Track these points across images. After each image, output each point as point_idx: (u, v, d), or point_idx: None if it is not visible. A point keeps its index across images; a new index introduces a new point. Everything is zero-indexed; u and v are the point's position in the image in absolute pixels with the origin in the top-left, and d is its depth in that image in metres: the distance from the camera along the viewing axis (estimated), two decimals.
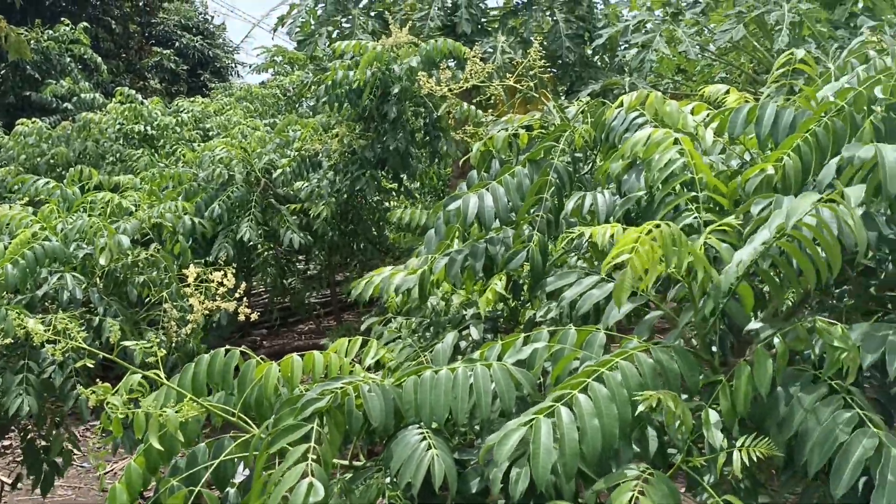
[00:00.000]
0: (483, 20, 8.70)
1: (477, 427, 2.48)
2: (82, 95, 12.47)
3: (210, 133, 10.04)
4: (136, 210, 5.93)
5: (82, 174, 6.93)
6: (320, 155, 6.99)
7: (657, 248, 1.96)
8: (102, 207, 5.67)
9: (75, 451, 4.81)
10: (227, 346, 2.48)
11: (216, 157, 7.08)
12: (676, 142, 2.50)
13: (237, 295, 4.03)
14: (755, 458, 1.96)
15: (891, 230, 2.25)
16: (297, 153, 7.33)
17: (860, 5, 6.42)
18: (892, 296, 2.53)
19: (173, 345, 4.91)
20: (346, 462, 2.55)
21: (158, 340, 2.44)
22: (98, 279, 5.09)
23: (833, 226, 1.95)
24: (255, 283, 8.73)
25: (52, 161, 8.92)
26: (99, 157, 9.01)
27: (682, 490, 2.34)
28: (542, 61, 3.63)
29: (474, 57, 3.64)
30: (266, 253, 7.57)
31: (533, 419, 1.97)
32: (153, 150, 9.12)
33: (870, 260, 2.39)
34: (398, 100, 6.25)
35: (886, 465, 1.85)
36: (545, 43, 8.11)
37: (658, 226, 2.01)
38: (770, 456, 2.01)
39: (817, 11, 5.74)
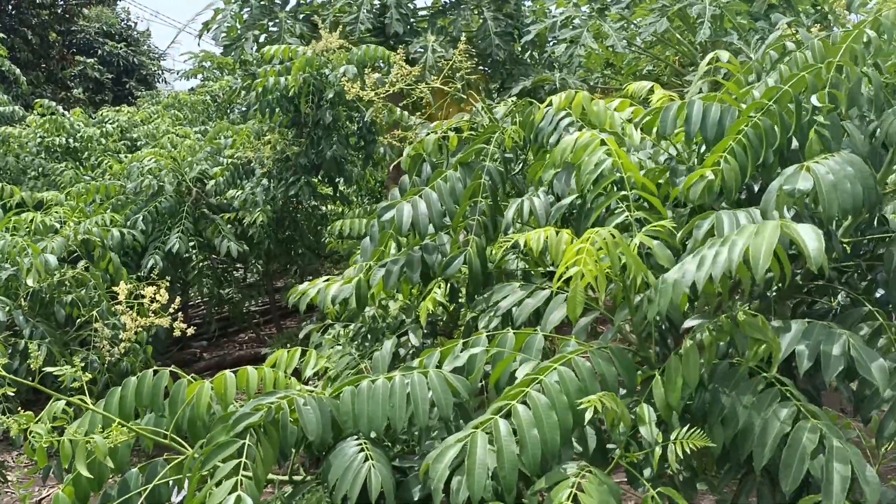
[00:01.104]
0: (413, 20, 8.67)
1: (416, 433, 2.46)
2: (1, 109, 12.00)
3: (138, 143, 9.76)
4: (61, 227, 5.73)
5: (3, 191, 6.66)
6: (253, 162, 6.87)
7: (603, 264, 1.98)
8: (27, 227, 5.47)
9: (5, 480, 4.62)
10: (156, 367, 2.40)
11: (145, 168, 6.89)
12: (603, 142, 2.52)
13: (172, 309, 3.93)
14: (689, 451, 1.99)
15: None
16: (229, 161, 7.18)
17: None
18: (816, 285, 2.61)
19: (105, 365, 4.77)
20: (286, 477, 2.50)
21: (82, 364, 2.35)
22: (24, 300, 4.91)
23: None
24: (192, 295, 8.52)
25: None
26: (20, 173, 8.68)
27: (624, 482, 2.37)
28: (471, 60, 3.62)
29: (399, 60, 3.61)
30: (201, 264, 7.40)
31: (470, 434, 1.97)
32: (77, 164, 8.82)
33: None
34: (332, 105, 6.18)
35: (831, 457, 1.91)
36: (475, 41, 8.14)
37: (598, 232, 2.03)
38: (706, 447, 2.04)
39: (737, 4, 5.88)
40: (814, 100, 2.37)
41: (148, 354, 5.13)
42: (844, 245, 2.70)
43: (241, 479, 1.94)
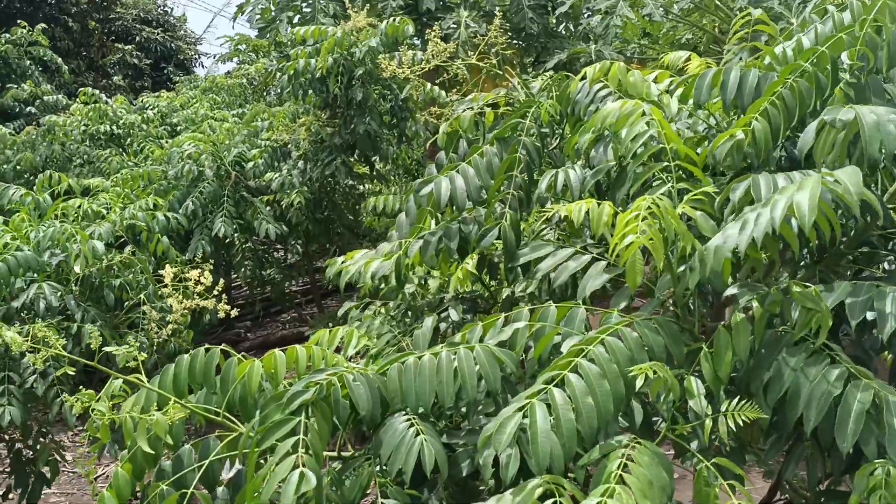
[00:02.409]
0: None
1: (463, 409, 2.49)
2: (45, 98, 12.25)
3: (178, 128, 9.90)
4: (108, 213, 5.86)
5: (51, 179, 6.83)
6: (290, 145, 6.93)
7: (656, 230, 1.97)
8: (75, 214, 5.61)
9: (63, 459, 4.79)
10: (207, 346, 2.47)
11: (184, 153, 7.00)
12: (645, 113, 2.50)
13: (216, 291, 4.01)
14: (741, 423, 1.98)
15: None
16: (266, 144, 7.25)
17: None
18: (861, 252, 2.57)
19: (154, 346, 4.89)
20: (335, 453, 2.56)
21: (138, 344, 2.42)
22: (74, 286, 5.04)
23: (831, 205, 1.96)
24: (235, 277, 8.67)
25: (18, 167, 8.78)
26: (66, 161, 8.87)
27: (671, 456, 2.38)
28: (505, 35, 3.60)
29: (434, 37, 3.61)
30: (243, 246, 7.52)
31: (527, 404, 1.98)
32: (121, 150, 8.99)
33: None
34: (362, 83, 6.19)
35: (891, 411, 1.89)
36: (508, 15, 8.06)
37: (653, 200, 2.01)
38: (755, 419, 2.03)
39: None
40: (844, 57, 2.32)
41: (186, 340, 5.23)
42: (892, 210, 2.65)
43: (302, 455, 1.98)
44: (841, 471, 2.13)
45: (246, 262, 7.59)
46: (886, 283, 2.38)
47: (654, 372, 1.94)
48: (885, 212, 2.51)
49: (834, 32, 2.44)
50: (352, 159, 6.89)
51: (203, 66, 22.95)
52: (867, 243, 2.64)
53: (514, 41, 8.23)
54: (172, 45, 20.88)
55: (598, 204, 2.26)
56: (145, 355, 2.42)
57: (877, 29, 2.32)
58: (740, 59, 3.11)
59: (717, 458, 1.99)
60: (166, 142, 8.58)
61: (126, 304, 5.25)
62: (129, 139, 9.10)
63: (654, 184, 2.48)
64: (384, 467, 2.22)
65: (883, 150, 2.07)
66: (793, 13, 5.27)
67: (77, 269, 4.91)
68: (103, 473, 6.43)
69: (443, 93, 4.91)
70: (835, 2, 3.30)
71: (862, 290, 2.07)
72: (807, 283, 2.00)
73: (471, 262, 3.25)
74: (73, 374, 2.54)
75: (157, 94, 11.87)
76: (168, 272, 3.94)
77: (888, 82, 2.45)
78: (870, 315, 2.05)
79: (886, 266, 2.66)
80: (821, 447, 2.14)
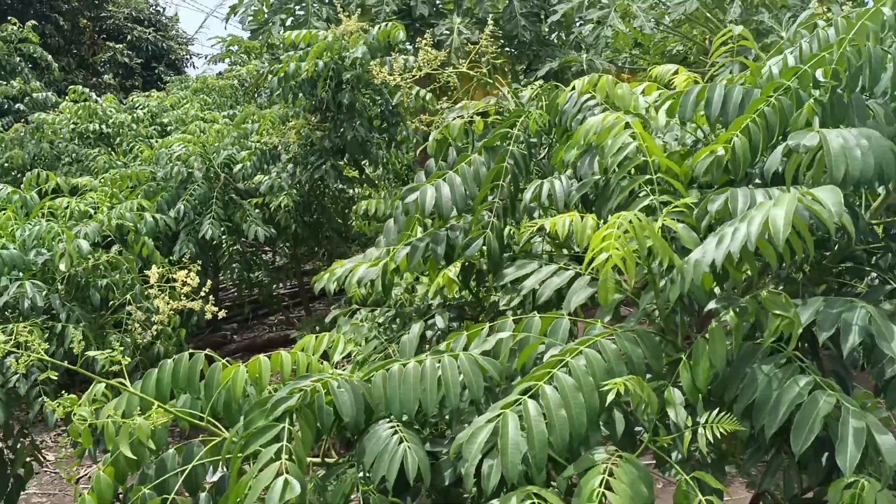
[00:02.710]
0: (438, 2, 8.64)
1: (447, 417, 2.50)
2: (34, 95, 12.18)
3: (168, 128, 9.88)
4: (95, 212, 5.84)
5: (39, 178, 6.80)
6: (279, 147, 6.93)
7: (630, 247, 1.99)
8: (62, 213, 5.59)
9: (45, 459, 4.76)
10: (192, 350, 2.47)
11: (174, 154, 6.98)
12: (628, 125, 2.53)
13: (203, 292, 4.01)
14: (719, 435, 2.00)
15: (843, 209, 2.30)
16: (256, 147, 7.25)
17: None
18: (844, 267, 2.60)
19: (137, 348, 4.87)
20: (319, 459, 2.56)
21: (122, 348, 2.42)
22: (59, 285, 5.03)
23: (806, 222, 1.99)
24: (222, 279, 8.65)
25: (6, 164, 8.73)
26: (55, 159, 8.83)
27: (652, 467, 2.40)
28: (497, 42, 3.63)
29: (426, 45, 3.63)
30: (231, 249, 7.50)
31: (500, 414, 2.00)
32: (110, 149, 8.95)
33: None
34: (351, 88, 6.20)
35: (846, 422, 1.92)
36: (501, 22, 8.09)
37: (625, 216, 2.03)
38: (735, 430, 2.06)
39: None
40: (818, 74, 2.36)
41: (181, 338, 5.23)
42: (874, 226, 2.68)
43: (285, 462, 1.98)
44: (817, 483, 2.15)
45: (233, 265, 7.59)
46: (866, 298, 2.42)
47: (627, 387, 1.96)
48: (869, 227, 2.55)
49: (818, 51, 2.47)
50: (341, 163, 6.89)
51: (194, 66, 22.93)
52: (851, 258, 2.67)
53: (507, 48, 8.27)
54: (164, 44, 20.82)
55: (582, 217, 2.28)
56: (129, 359, 2.42)
57: (857, 49, 2.35)
58: (730, 71, 3.14)
59: (697, 472, 2.01)
60: (156, 142, 8.55)
61: (112, 304, 5.23)
62: (118, 138, 9.07)
63: (641, 195, 2.51)
64: (367, 474, 2.23)
65: (848, 175, 2.09)
66: (783, 27, 5.32)
67: (62, 267, 4.89)
68: (86, 474, 6.39)
69: (433, 99, 4.92)
70: (824, 17, 3.35)
71: (835, 305, 2.10)
72: (779, 292, 2.03)
73: (453, 270, 3.26)
74: (55, 377, 2.53)
75: (147, 93, 11.82)
76: (154, 273, 3.94)
77: (872, 98, 2.49)
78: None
79: (868, 281, 2.70)
80: (799, 462, 2.17)
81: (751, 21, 5.91)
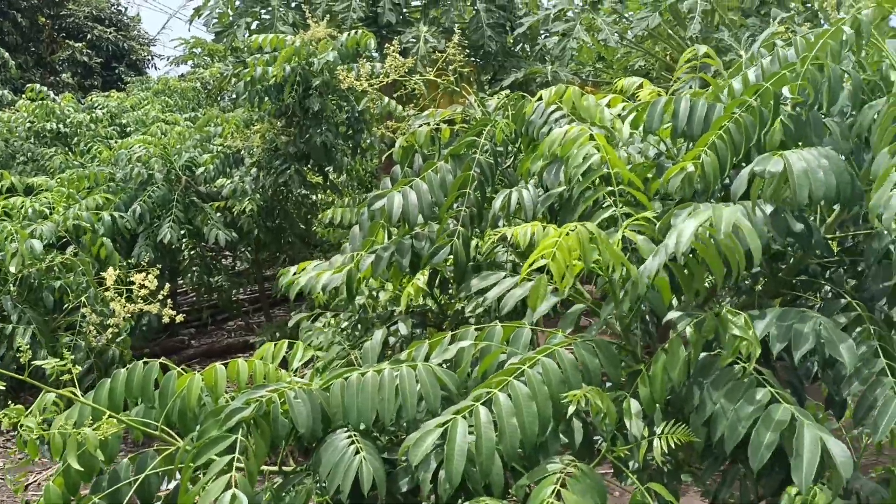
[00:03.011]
0: (405, 10, 8.65)
1: (405, 426, 2.48)
2: None
3: (127, 129, 9.71)
4: (51, 213, 5.72)
5: None
6: (243, 151, 6.85)
7: (575, 252, 2.00)
8: (17, 212, 5.46)
9: None
10: (146, 359, 2.41)
11: (133, 156, 6.86)
12: (592, 137, 2.54)
13: (161, 296, 3.93)
14: (673, 445, 2.02)
15: (799, 224, 2.35)
16: (219, 150, 7.16)
17: None
18: (799, 280, 2.64)
19: (92, 351, 4.78)
20: (276, 468, 2.52)
21: (72, 356, 2.36)
22: (11, 286, 4.90)
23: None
24: (181, 283, 8.51)
25: None
26: (9, 158, 8.62)
27: (610, 474, 2.41)
28: (463, 52, 3.63)
29: (393, 51, 3.62)
30: (191, 252, 7.39)
31: (451, 419, 1.99)
32: (67, 149, 8.77)
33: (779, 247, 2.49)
34: (319, 94, 6.16)
35: (801, 435, 1.94)
36: (467, 32, 8.12)
37: (575, 226, 2.05)
38: (691, 441, 2.07)
39: (729, 0, 5.91)
40: (785, 91, 2.40)
41: (126, 344, 5.13)
42: (829, 241, 2.73)
43: (235, 475, 1.95)
44: (772, 492, 2.17)
45: (193, 268, 7.47)
46: (821, 312, 2.46)
47: (587, 398, 1.97)
48: (824, 242, 2.59)
49: (779, 69, 2.52)
50: (306, 169, 6.84)
51: (156, 67, 22.57)
52: (806, 272, 2.72)
53: (473, 58, 8.30)
54: (125, 44, 20.48)
55: (544, 227, 2.29)
56: (79, 368, 2.36)
57: (819, 67, 2.40)
58: (690, 87, 3.19)
59: (651, 483, 2.02)
60: (115, 143, 8.40)
61: (66, 306, 5.12)
62: (75, 138, 8.89)
63: (604, 206, 2.52)
64: (323, 484, 2.20)
65: (811, 196, 2.14)
66: (741, 45, 5.42)
67: (13, 268, 4.78)
68: (35, 481, 6.22)
69: (399, 107, 4.90)
70: (782, 37, 3.41)
71: (788, 317, 2.14)
72: (739, 311, 2.05)
73: (422, 279, 3.25)
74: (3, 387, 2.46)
75: (106, 93, 11.61)
76: (110, 275, 3.85)
77: (829, 117, 2.54)
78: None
79: (823, 294, 2.75)
80: (753, 471, 2.19)
81: (711, 39, 6.01)
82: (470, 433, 2.02)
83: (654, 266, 2.03)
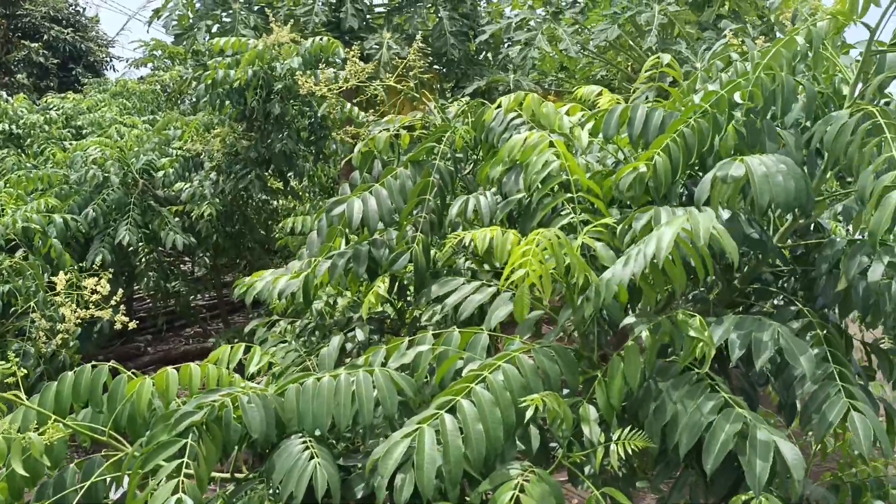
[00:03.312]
0: (368, 17, 8.64)
1: (361, 431, 2.46)
2: None
3: (83, 131, 9.52)
4: (0, 214, 5.57)
5: None
6: (203, 155, 6.75)
7: (548, 264, 2.01)
8: None
9: None
10: (94, 362, 2.36)
11: (89, 158, 6.72)
12: (552, 144, 2.56)
13: (114, 301, 3.85)
14: (630, 451, 2.03)
15: (752, 229, 2.38)
16: (178, 153, 7.05)
17: (726, 7, 6.77)
18: (752, 288, 2.68)
19: (41, 357, 4.66)
20: (228, 475, 2.48)
21: (17, 360, 2.29)
22: None
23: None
24: (138, 288, 8.35)
25: None
26: None
27: (566, 481, 2.41)
28: (426, 59, 3.63)
29: (353, 56, 3.60)
30: (147, 256, 7.26)
31: (417, 429, 1.97)
32: (20, 151, 8.56)
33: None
34: (281, 98, 6.11)
35: (754, 439, 1.96)
36: (431, 40, 8.14)
37: (543, 234, 2.05)
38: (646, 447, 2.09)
39: (686, 13, 6.01)
40: (736, 96, 2.44)
41: (76, 349, 5.01)
42: (782, 249, 2.78)
43: (183, 480, 1.91)
44: (721, 497, 2.20)
45: (149, 273, 7.34)
46: (775, 319, 2.50)
47: (545, 403, 1.97)
48: (777, 251, 2.64)
49: (735, 79, 2.56)
50: (266, 174, 6.77)
51: (115, 69, 22.19)
52: (759, 280, 2.76)
53: (435, 66, 8.31)
54: (82, 45, 20.11)
55: (503, 232, 2.29)
56: (24, 371, 2.29)
57: (772, 77, 2.45)
58: (646, 97, 3.23)
59: (606, 488, 2.03)
60: (70, 145, 8.22)
61: (14, 311, 4.98)
62: (28, 140, 8.69)
63: (563, 213, 2.54)
64: (276, 491, 2.17)
65: (772, 201, 2.17)
66: (698, 58, 5.52)
67: None
68: None
69: (360, 112, 4.88)
70: (737, 50, 3.48)
71: (745, 324, 2.16)
72: (693, 314, 2.07)
73: (382, 286, 3.23)
74: None
75: (63, 95, 11.38)
76: (61, 279, 3.76)
77: (783, 127, 2.58)
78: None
79: (775, 302, 2.79)
80: (705, 477, 2.21)
81: (669, 51, 6.11)
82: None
83: (626, 274, 2.03)
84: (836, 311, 2.61)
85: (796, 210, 2.45)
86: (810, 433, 2.40)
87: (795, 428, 2.65)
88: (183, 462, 1.94)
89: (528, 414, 1.99)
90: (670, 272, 2.05)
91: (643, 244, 2.01)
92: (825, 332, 2.34)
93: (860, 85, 2.52)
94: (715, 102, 2.47)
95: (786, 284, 2.76)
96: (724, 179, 2.24)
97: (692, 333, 2.00)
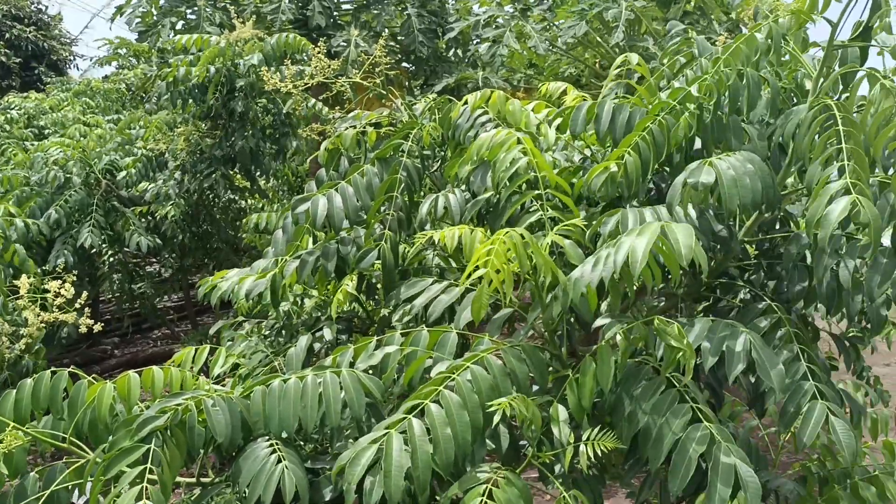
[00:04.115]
0: (336, 14, 8.58)
1: (328, 433, 2.43)
2: None
3: (45, 131, 9.34)
4: None
5: None
6: (166, 154, 6.65)
7: (513, 264, 1.99)
8: None
9: None
10: (54, 368, 2.30)
11: (50, 159, 6.59)
12: (519, 141, 2.54)
13: (79, 304, 3.77)
14: (600, 452, 2.02)
15: (720, 226, 2.39)
16: (141, 153, 6.94)
17: (692, 4, 6.81)
18: (720, 282, 2.69)
19: (5, 362, 4.56)
20: (194, 479, 2.44)
21: None
22: None
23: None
24: (103, 290, 8.21)
25: None
26: None
27: (536, 479, 2.40)
28: (394, 56, 3.60)
29: (318, 53, 3.56)
30: (111, 258, 7.14)
31: (385, 434, 1.95)
32: None
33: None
34: (245, 96, 6.04)
35: (717, 465, 1.96)
36: (399, 37, 8.10)
37: (508, 233, 2.03)
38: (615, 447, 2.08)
39: (653, 10, 6.04)
40: (693, 89, 2.45)
41: (40, 355, 4.91)
42: (746, 244, 2.80)
43: (147, 487, 1.87)
44: (690, 493, 2.20)
45: (114, 275, 7.22)
46: (743, 315, 2.51)
47: (512, 406, 1.95)
48: (738, 247, 2.65)
49: (700, 75, 2.57)
50: (232, 172, 6.68)
51: (78, 68, 21.84)
52: (725, 274, 2.77)
53: (404, 63, 8.28)
54: (45, 44, 19.75)
55: (471, 230, 2.27)
56: None
57: (739, 73, 2.45)
58: (615, 93, 3.23)
59: (576, 490, 2.02)
60: (31, 145, 8.06)
61: None
62: None
63: (531, 210, 2.52)
64: (244, 495, 2.13)
65: (739, 204, 2.18)
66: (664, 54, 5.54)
67: None
68: None
69: (325, 109, 4.83)
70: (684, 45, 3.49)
71: (717, 329, 2.15)
72: (669, 319, 2.06)
73: (350, 284, 3.19)
74: None
75: (24, 94, 11.16)
76: (24, 282, 3.67)
77: (748, 123, 2.60)
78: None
79: (742, 296, 2.81)
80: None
81: (636, 47, 6.13)
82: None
83: (595, 276, 2.02)
84: (802, 304, 2.64)
85: (763, 206, 2.46)
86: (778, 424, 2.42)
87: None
88: (146, 468, 1.90)
89: (496, 419, 1.97)
90: (643, 274, 2.05)
91: (614, 248, 2.00)
92: (795, 329, 2.35)
93: (822, 80, 2.54)
94: (681, 99, 2.47)
95: (752, 277, 2.77)
96: (695, 186, 2.25)
97: (673, 343, 1.99)
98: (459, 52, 9.04)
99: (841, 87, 2.67)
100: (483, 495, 1.87)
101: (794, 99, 2.72)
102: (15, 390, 2.26)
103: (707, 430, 2.01)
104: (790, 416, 2.22)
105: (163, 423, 2.01)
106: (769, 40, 2.48)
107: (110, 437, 2.13)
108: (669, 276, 2.08)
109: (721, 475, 1.94)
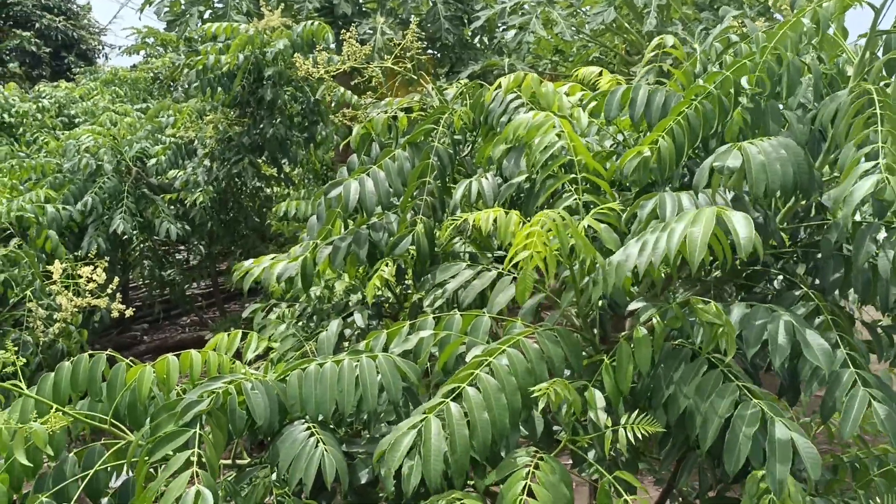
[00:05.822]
0: (362, 1, 8.57)
1: (364, 417, 2.44)
2: None
3: (76, 120, 9.44)
4: None
5: None
6: (195, 142, 6.70)
7: (553, 246, 1.97)
8: None
9: None
10: (92, 352, 2.33)
11: (82, 147, 6.66)
12: (555, 125, 2.52)
13: (110, 290, 3.82)
14: (640, 436, 2.01)
15: (756, 212, 2.36)
16: (171, 141, 7.00)
17: None
18: (754, 269, 2.66)
19: (39, 346, 4.63)
20: (230, 461, 2.46)
21: (16, 349, 2.26)
22: None
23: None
24: (133, 277, 8.31)
25: None
26: None
27: (568, 466, 2.40)
28: (420, 43, 3.59)
29: (350, 38, 3.56)
30: (142, 245, 7.22)
31: (423, 419, 1.95)
32: (12, 139, 8.49)
33: None
34: (273, 84, 6.06)
35: (773, 438, 1.93)
36: (425, 24, 8.08)
37: (548, 214, 2.02)
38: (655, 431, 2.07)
39: None
40: (743, 81, 2.41)
41: (83, 338, 5.00)
42: (782, 231, 2.76)
43: (197, 471, 1.89)
44: (731, 479, 2.18)
45: (144, 262, 7.30)
46: (779, 302, 2.47)
47: (556, 391, 1.95)
48: (777, 234, 2.62)
49: (740, 59, 2.53)
50: (260, 160, 6.72)
51: (107, 57, 22.02)
52: (759, 261, 2.74)
53: (430, 51, 8.25)
54: (74, 33, 19.95)
55: (506, 213, 2.26)
56: (23, 360, 2.26)
57: (777, 58, 2.41)
58: (647, 80, 3.19)
59: (619, 472, 2.01)
60: (62, 133, 8.15)
61: (11, 300, 4.96)
62: (21, 129, 8.61)
63: (565, 195, 2.51)
64: (283, 477, 2.15)
65: (768, 189, 2.14)
66: (695, 39, 5.48)
67: None
68: None
69: (355, 96, 4.83)
70: (737, 32, 3.44)
71: (757, 316, 2.11)
72: (706, 299, 2.05)
73: (387, 270, 3.20)
74: None
75: (55, 83, 11.28)
76: (57, 268, 3.72)
77: (787, 108, 2.56)
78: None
79: (776, 284, 2.77)
80: (712, 457, 2.19)
81: (666, 32, 6.06)
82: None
83: (643, 261, 1.98)
84: (837, 291, 2.59)
85: (798, 193, 2.43)
86: (814, 413, 2.39)
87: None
88: (194, 452, 1.92)
89: (541, 405, 1.96)
90: (686, 256, 2.02)
91: (665, 233, 1.96)
92: (834, 316, 2.32)
93: (864, 66, 2.50)
94: (720, 84, 2.44)
95: (786, 265, 2.74)
96: (721, 171, 2.21)
97: (713, 320, 1.97)
98: (485, 39, 9.00)
99: (884, 73, 2.62)
100: (526, 478, 1.87)
101: (836, 85, 2.67)
102: (53, 373, 2.29)
103: (758, 408, 1.98)
104: (830, 407, 2.18)
105: (206, 407, 2.03)
106: (816, 25, 2.43)
107: (148, 420, 2.16)
108: (714, 263, 2.05)
109: (778, 451, 1.90)
